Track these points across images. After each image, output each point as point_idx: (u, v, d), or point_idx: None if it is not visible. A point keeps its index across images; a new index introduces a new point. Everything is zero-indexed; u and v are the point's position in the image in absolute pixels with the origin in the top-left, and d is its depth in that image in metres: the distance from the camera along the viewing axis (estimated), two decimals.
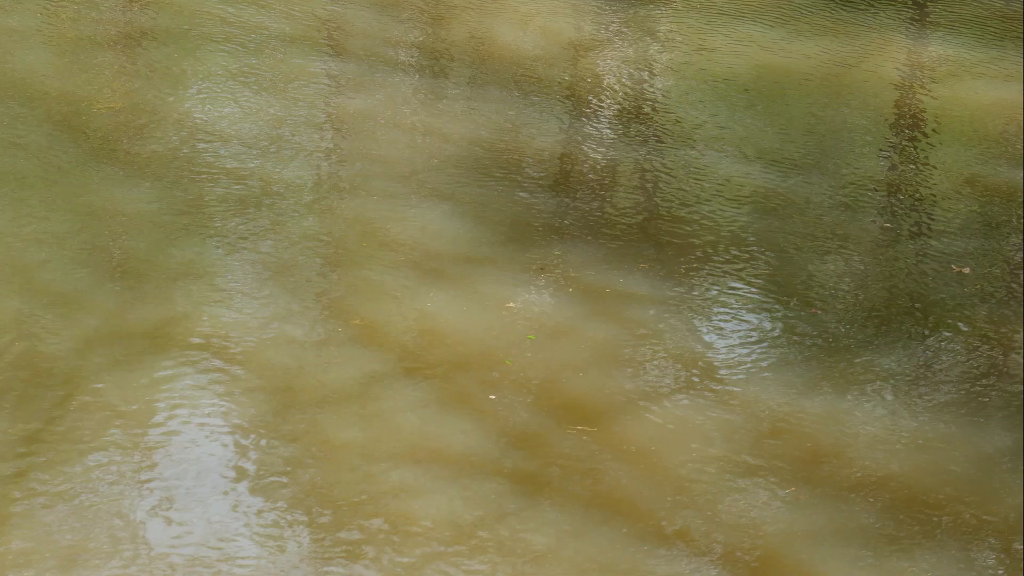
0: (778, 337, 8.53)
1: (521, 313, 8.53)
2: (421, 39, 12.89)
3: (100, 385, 7.62)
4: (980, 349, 8.54)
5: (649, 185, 10.43)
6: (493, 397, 7.73)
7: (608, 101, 11.83)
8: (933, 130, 11.68)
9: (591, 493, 7.12)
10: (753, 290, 9.02)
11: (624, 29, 13.41)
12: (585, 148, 10.93)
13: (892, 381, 8.15)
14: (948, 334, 8.68)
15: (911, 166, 11.03)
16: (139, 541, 6.64)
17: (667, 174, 10.56)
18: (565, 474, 7.23)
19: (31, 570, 6.41)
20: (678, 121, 11.49)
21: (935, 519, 7.12)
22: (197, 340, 8.06)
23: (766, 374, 8.12)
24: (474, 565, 6.63)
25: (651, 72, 12.51)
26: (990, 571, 6.81)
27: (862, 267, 9.39)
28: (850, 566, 6.77)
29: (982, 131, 11.55)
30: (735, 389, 7.97)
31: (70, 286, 8.49)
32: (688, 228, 9.74)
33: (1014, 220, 10.10)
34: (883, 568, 6.77)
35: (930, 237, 9.89)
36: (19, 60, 11.69)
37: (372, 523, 6.81)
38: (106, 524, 6.70)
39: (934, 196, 10.53)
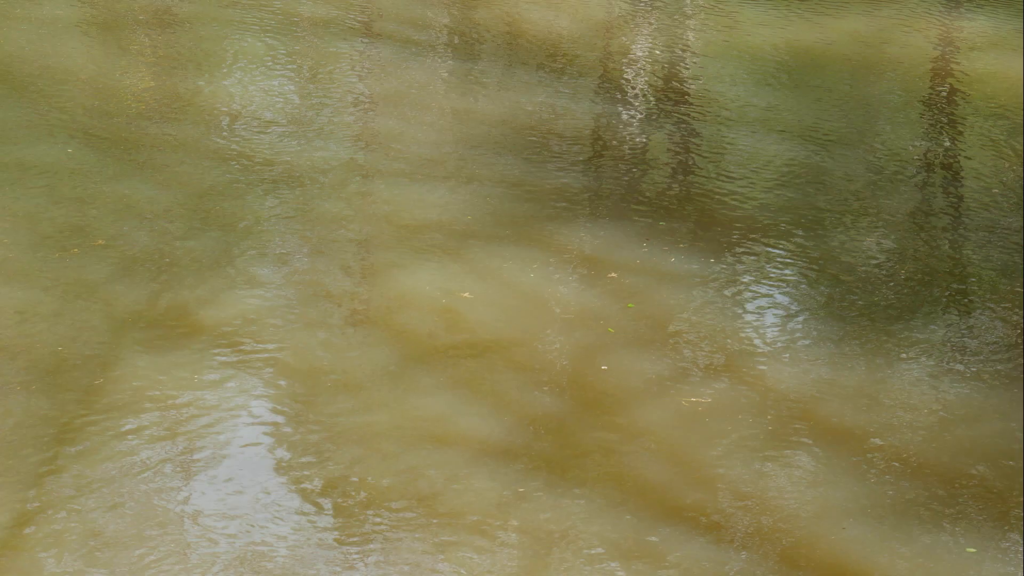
0: (814, 313, 8.47)
1: (561, 291, 8.50)
2: (452, 21, 12.86)
3: (131, 371, 7.59)
4: (1018, 321, 8.48)
5: (684, 163, 10.38)
6: (605, 367, 7.69)
7: (640, 80, 11.79)
8: (966, 101, 11.62)
9: (618, 473, 7.06)
10: (790, 266, 8.96)
11: (654, 8, 13.38)
12: (617, 127, 10.88)
13: (929, 356, 8.09)
14: (985, 307, 8.63)
15: (950, 139, 10.98)
16: (172, 524, 6.61)
17: (702, 152, 10.52)
18: (593, 455, 7.18)
19: (66, 553, 6.39)
20: (711, 99, 11.45)
21: (970, 496, 7.05)
22: (226, 326, 8.02)
23: (800, 351, 8.07)
24: (501, 545, 6.60)
25: (683, 51, 12.46)
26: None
27: (898, 240, 9.34)
28: (881, 545, 6.70)
29: (1016, 101, 11.50)
30: (769, 367, 7.91)
31: (100, 273, 8.46)
32: (724, 205, 9.69)
33: None
34: (915, 546, 6.70)
35: (967, 207, 9.84)
36: (52, 47, 11.68)
37: (400, 504, 6.77)
38: (139, 508, 6.67)
39: (967, 167, 10.49)
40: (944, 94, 11.84)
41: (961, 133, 11.11)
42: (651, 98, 11.48)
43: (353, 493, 6.84)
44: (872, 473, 7.14)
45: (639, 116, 11.13)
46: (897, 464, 7.21)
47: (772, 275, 8.88)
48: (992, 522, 6.87)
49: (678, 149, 10.61)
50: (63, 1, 12.67)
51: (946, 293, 8.80)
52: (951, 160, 10.64)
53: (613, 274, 8.70)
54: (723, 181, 10.05)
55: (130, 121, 10.46)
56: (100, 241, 8.79)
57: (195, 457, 7.03)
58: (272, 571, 6.37)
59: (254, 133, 10.35)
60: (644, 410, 7.49)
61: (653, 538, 6.66)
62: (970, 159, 10.64)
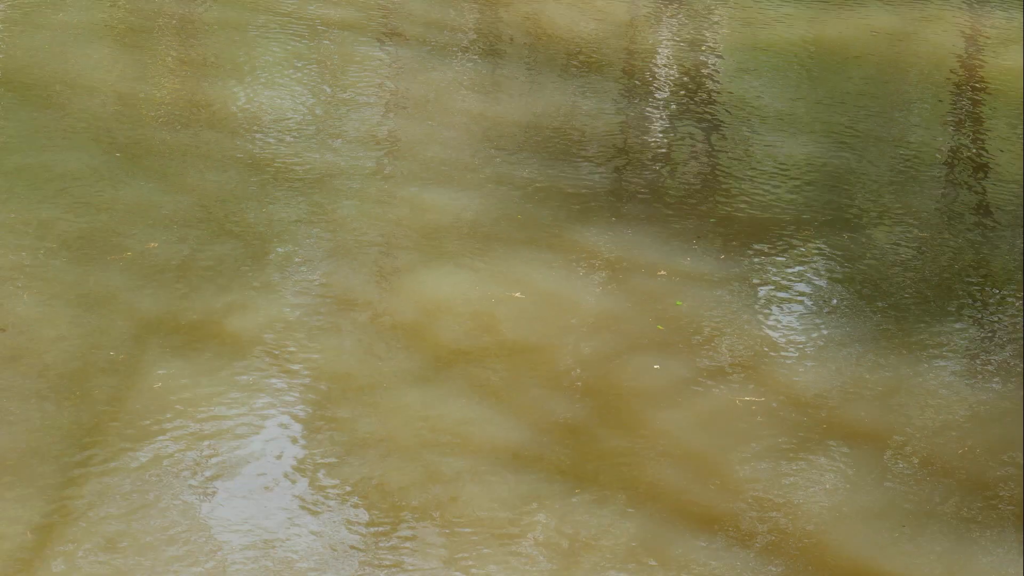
0: (841, 312, 8.43)
1: (580, 296, 8.46)
2: (475, 23, 12.83)
3: (154, 378, 7.57)
4: None
5: (707, 163, 10.34)
6: (657, 367, 7.66)
7: (665, 80, 11.75)
8: (992, 98, 11.56)
9: (638, 478, 7.02)
10: (817, 266, 8.93)
11: (678, 7, 13.34)
12: (641, 128, 10.85)
13: (955, 357, 8.03)
14: (1011, 307, 8.57)
15: (970, 135, 10.93)
16: (193, 530, 6.60)
17: (728, 151, 10.48)
18: (613, 459, 7.14)
19: (86, 560, 6.37)
20: (738, 98, 11.41)
21: (997, 504, 6.98)
22: (249, 332, 8.00)
23: (827, 352, 8.02)
24: (521, 552, 6.57)
25: (708, 49, 12.42)
26: None
27: (923, 240, 9.29)
28: (909, 549, 6.65)
29: None
30: (796, 367, 7.86)
31: (122, 280, 8.45)
32: (751, 205, 9.65)
33: None
34: (940, 553, 6.64)
35: (993, 206, 9.79)
36: (74, 54, 11.69)
37: (421, 510, 6.76)
38: (160, 515, 6.66)
39: (993, 165, 10.44)
40: (971, 90, 11.77)
41: (988, 130, 11.05)
42: (677, 97, 11.44)
43: (374, 499, 6.82)
44: (900, 476, 7.09)
45: (665, 116, 11.09)
46: (925, 466, 7.16)
47: (799, 275, 8.84)
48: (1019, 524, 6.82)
49: (705, 148, 10.56)
50: (85, 8, 12.67)
51: (973, 292, 8.75)
52: (978, 157, 10.59)
53: (662, 272, 8.68)
54: (750, 180, 10.01)
55: (153, 127, 10.45)
56: (119, 246, 8.77)
57: (217, 463, 7.02)
58: None
59: (277, 138, 10.33)
60: (672, 412, 7.45)
61: (676, 543, 6.62)
62: (997, 156, 10.59)
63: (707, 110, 11.20)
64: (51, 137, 10.18)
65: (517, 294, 8.38)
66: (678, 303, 8.31)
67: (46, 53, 11.66)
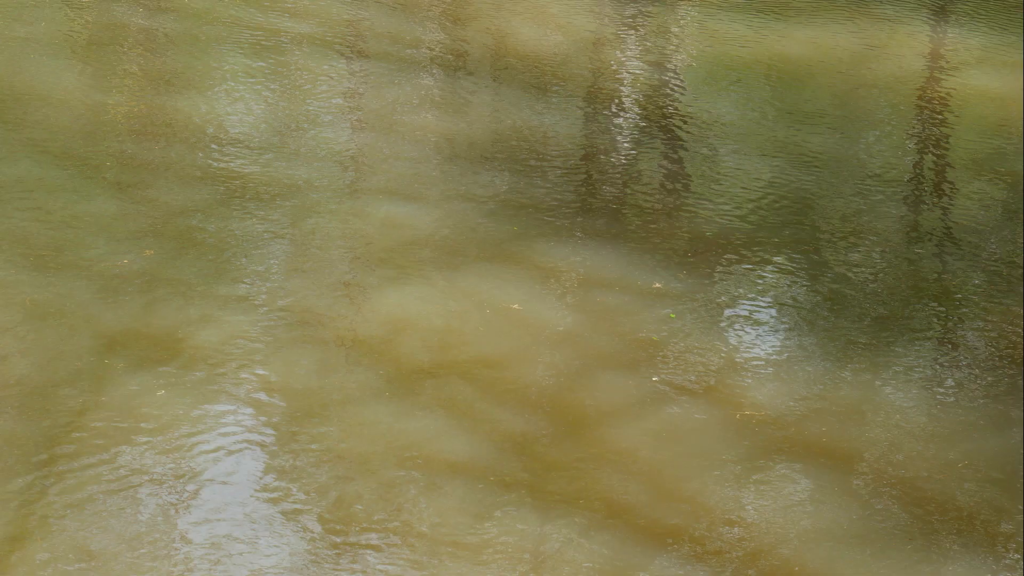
0: (804, 331, 8.45)
1: (542, 312, 8.46)
2: (440, 38, 12.84)
3: (115, 393, 7.54)
4: (1007, 339, 8.47)
5: (672, 182, 10.36)
6: (656, 378, 7.64)
7: (629, 98, 11.78)
8: (954, 118, 11.63)
9: (599, 495, 7.02)
10: (778, 286, 8.95)
11: (642, 25, 13.38)
12: (604, 145, 10.86)
13: (917, 375, 8.07)
14: (973, 325, 8.61)
15: (932, 155, 10.99)
16: (157, 544, 6.59)
17: (690, 170, 10.51)
18: (574, 476, 7.14)
19: (56, 571, 6.36)
20: (700, 117, 11.43)
21: (962, 521, 7.01)
22: (209, 347, 7.96)
23: (790, 370, 8.04)
24: (479, 568, 6.57)
25: (671, 68, 12.45)
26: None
27: (886, 259, 9.33)
28: (871, 569, 6.65)
29: (1005, 118, 11.51)
30: (753, 386, 7.88)
31: (83, 295, 8.40)
32: (712, 224, 9.67)
33: None
34: (909, 571, 6.66)
35: (955, 225, 9.83)
36: (37, 67, 11.65)
37: (380, 527, 6.76)
38: (123, 530, 6.66)
39: (955, 185, 10.49)
40: (931, 111, 11.84)
41: (948, 151, 11.11)
42: (640, 115, 11.46)
43: (333, 512, 6.82)
44: (864, 495, 7.11)
45: (629, 133, 11.11)
46: (888, 485, 7.18)
47: (760, 294, 8.86)
48: (988, 542, 6.84)
49: (666, 167, 10.58)
50: (48, 20, 12.64)
51: (934, 311, 8.79)
52: (939, 179, 10.64)
53: (658, 284, 8.71)
54: (713, 198, 10.03)
55: (115, 140, 10.42)
56: (85, 259, 8.74)
57: (179, 477, 7.00)
58: None
59: (238, 152, 10.31)
60: (635, 428, 7.46)
61: (638, 560, 6.62)
62: (961, 175, 10.64)
63: (671, 128, 11.23)
64: (12, 149, 10.14)
65: (515, 306, 8.40)
66: (671, 315, 8.34)
67: (6, 66, 11.62)
